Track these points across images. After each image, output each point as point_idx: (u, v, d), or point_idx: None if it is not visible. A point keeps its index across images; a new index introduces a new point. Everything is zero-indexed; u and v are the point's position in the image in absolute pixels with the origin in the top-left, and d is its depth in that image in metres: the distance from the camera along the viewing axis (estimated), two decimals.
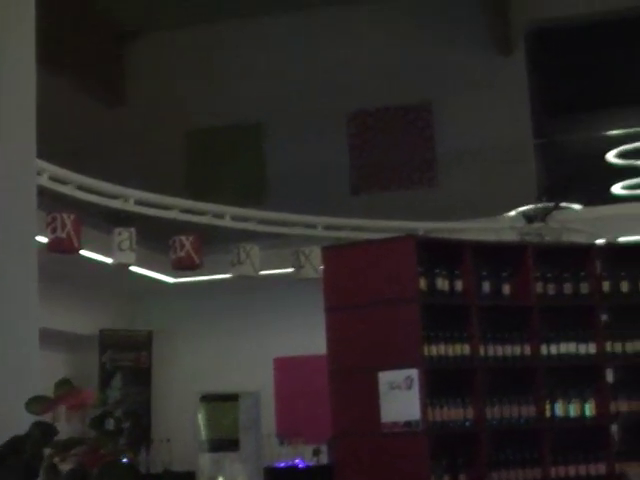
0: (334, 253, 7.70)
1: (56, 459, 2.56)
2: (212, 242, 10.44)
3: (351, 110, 14.80)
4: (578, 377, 7.75)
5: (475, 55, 14.35)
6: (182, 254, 9.97)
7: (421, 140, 14.51)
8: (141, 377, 13.31)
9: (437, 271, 7.27)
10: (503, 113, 14.04)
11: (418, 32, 14.64)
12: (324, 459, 10.37)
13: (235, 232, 10.44)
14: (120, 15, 14.92)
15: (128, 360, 13.18)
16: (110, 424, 2.62)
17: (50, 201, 8.87)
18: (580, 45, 14.74)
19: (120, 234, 9.61)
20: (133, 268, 10.49)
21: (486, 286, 7.54)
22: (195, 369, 12.82)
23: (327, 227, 10.82)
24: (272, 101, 14.81)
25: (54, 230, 8.87)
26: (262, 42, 15.14)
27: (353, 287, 7.28)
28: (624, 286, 8.04)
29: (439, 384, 7.07)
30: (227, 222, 10.34)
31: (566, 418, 7.60)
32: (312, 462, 10.54)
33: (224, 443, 10.01)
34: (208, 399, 10.21)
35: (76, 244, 9.02)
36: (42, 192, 7.08)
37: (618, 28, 14.49)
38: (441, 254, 7.41)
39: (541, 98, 14.51)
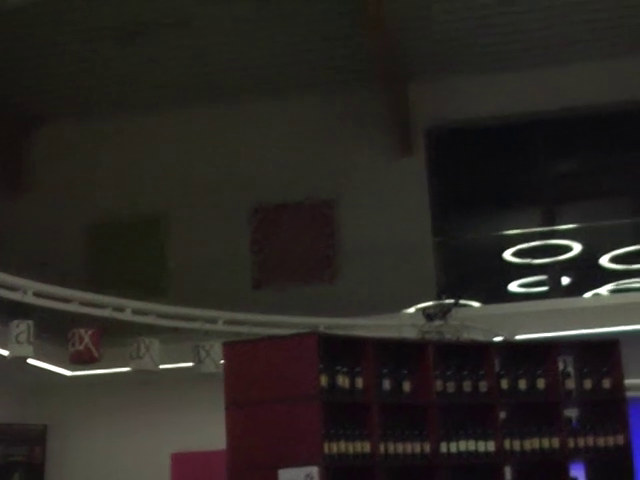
0: (235, 348, 7.66)
1: None
2: (112, 335, 10.30)
3: (253, 204, 14.89)
4: (477, 475, 7.78)
5: (377, 154, 14.62)
6: (81, 348, 9.80)
7: (323, 236, 14.65)
8: (34, 473, 12.99)
9: (338, 368, 7.27)
10: (403, 211, 14.28)
11: (322, 130, 14.88)
12: None
13: (135, 325, 10.33)
14: (23, 103, 14.87)
15: (21, 455, 12.85)
16: None
17: None
18: (478, 146, 15.14)
19: (18, 326, 9.42)
20: (30, 360, 10.28)
21: (386, 383, 7.57)
22: (90, 465, 12.56)
23: (228, 322, 10.76)
24: (175, 193, 14.85)
25: None
26: (166, 134, 15.22)
27: (254, 383, 7.24)
28: (522, 384, 8.15)
29: None
30: (127, 315, 10.22)
31: None
32: None
33: None
34: None
35: None
36: None
37: (515, 131, 14.93)
38: (342, 351, 7.43)
39: (440, 197, 14.80)
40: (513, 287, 14.47)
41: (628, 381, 8.58)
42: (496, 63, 14.32)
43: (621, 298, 13.37)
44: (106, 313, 9.95)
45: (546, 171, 14.93)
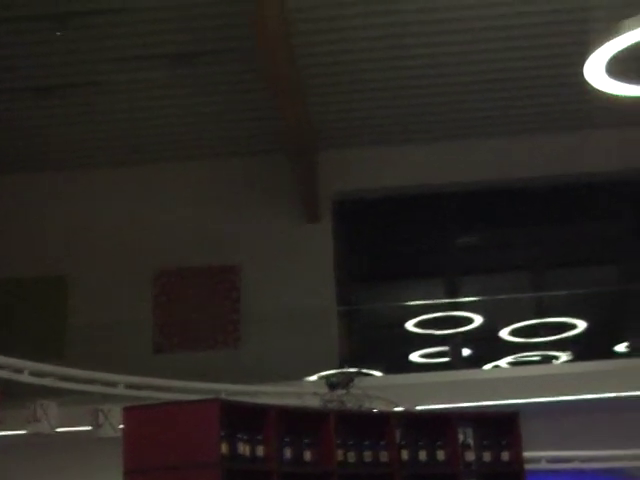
0: (135, 413, 7.54)
1: None
2: (8, 397, 10.08)
3: (157, 268, 14.80)
4: None
5: (284, 221, 14.69)
6: None
7: (228, 301, 14.59)
8: None
9: (239, 435, 7.21)
10: (309, 279, 14.33)
11: (230, 195, 14.90)
12: None
13: (34, 387, 10.13)
14: None
15: None
16: None
17: None
18: (384, 217, 15.31)
19: None
20: None
21: (288, 452, 7.52)
22: None
23: (128, 386, 10.63)
24: (79, 254, 14.69)
25: None
26: (73, 193, 15.09)
27: (154, 449, 7.13)
28: (422, 455, 8.18)
29: None
30: (25, 377, 10.02)
31: None
32: None
33: None
34: None
35: None
36: None
37: (421, 203, 15.15)
38: (244, 418, 7.38)
39: (345, 266, 14.90)
40: (415, 357, 14.57)
41: (527, 454, 8.67)
42: (404, 135, 14.57)
43: (520, 371, 13.56)
44: (4, 374, 9.75)
45: (450, 243, 15.17)
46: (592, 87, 9.01)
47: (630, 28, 7.75)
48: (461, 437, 8.38)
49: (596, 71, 8.46)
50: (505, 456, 8.45)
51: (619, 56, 8.39)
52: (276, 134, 13.34)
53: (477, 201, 15.13)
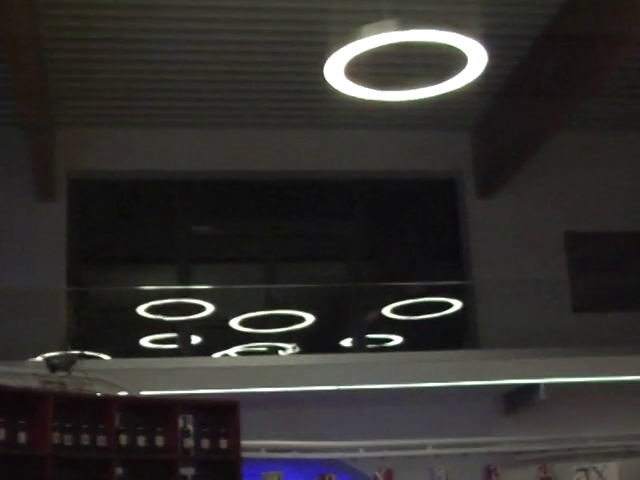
0: None
1: None
2: None
3: None
4: None
5: (17, 197, 14.23)
6: None
7: None
8: None
9: None
10: (40, 257, 13.96)
11: None
12: None
13: None
14: None
15: None
16: None
17: None
18: (120, 200, 15.15)
19: None
20: None
21: (2, 433, 7.35)
22: None
23: None
24: None
25: None
26: None
27: None
28: (141, 440, 8.17)
29: None
30: None
31: None
32: None
33: None
34: None
35: None
36: None
37: (157, 189, 15.08)
38: None
39: (78, 247, 14.62)
40: (145, 343, 14.50)
41: (246, 442, 8.81)
42: (150, 119, 14.43)
43: (247, 360, 13.75)
44: None
45: (184, 231, 15.16)
46: (332, 88, 9.25)
47: (369, 34, 7.99)
48: (181, 424, 8.44)
49: (336, 73, 8.68)
50: (223, 444, 8.58)
51: (358, 60, 8.64)
52: (15, 105, 12.90)
53: (216, 191, 15.21)
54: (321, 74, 8.77)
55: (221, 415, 8.70)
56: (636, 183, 15.33)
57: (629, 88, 13.89)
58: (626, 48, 10.72)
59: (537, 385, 12.83)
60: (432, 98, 9.51)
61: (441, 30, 8.11)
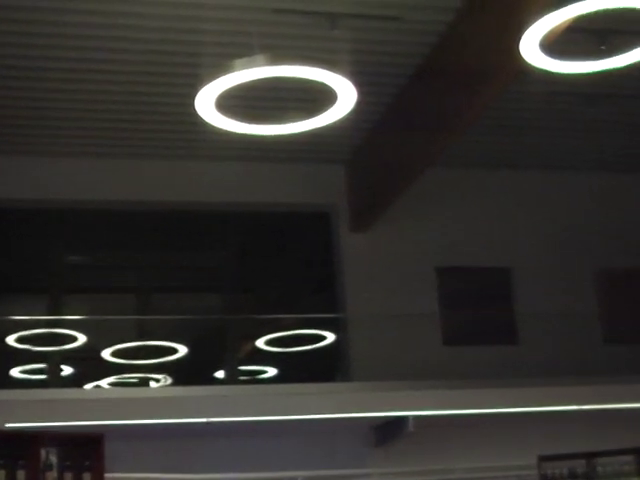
0: None
1: None
2: None
3: None
4: None
5: None
6: None
7: None
8: None
9: None
10: None
11: None
12: None
13: None
14: None
15: None
16: None
17: None
18: None
19: None
20: None
21: None
22: None
23: None
24: None
25: None
26: None
27: None
28: (1, 475, 8.03)
29: None
30: None
31: None
32: None
33: None
34: None
35: None
36: None
37: (32, 218, 14.84)
38: None
39: None
40: (15, 373, 14.26)
41: (109, 475, 8.72)
42: (24, 147, 14.19)
43: (118, 392, 13.62)
44: None
45: (57, 260, 14.96)
46: (204, 120, 9.31)
47: (240, 68, 8.09)
48: (44, 457, 8.31)
49: (207, 106, 8.75)
50: (87, 477, 8.47)
51: (231, 93, 8.73)
52: None
53: (90, 220, 15.03)
54: (194, 106, 8.84)
55: (86, 448, 8.60)
56: (503, 220, 15.72)
57: (496, 127, 14.26)
58: (494, 87, 11.00)
59: (406, 417, 12.99)
60: (306, 132, 9.65)
61: (311, 67, 8.26)
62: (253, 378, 14.95)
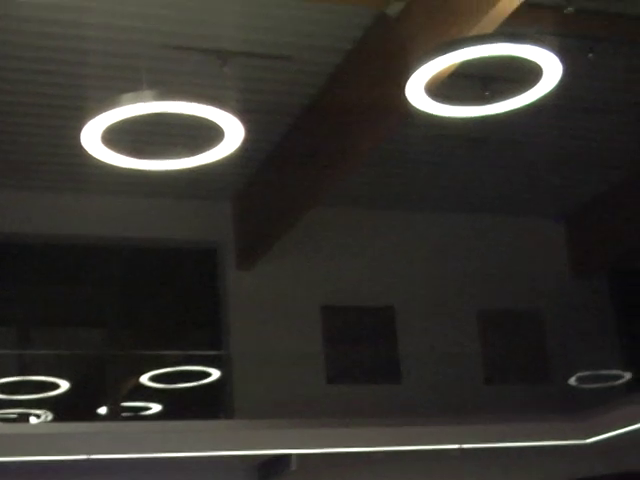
0: None
1: None
2: None
3: None
4: None
5: None
6: None
7: None
8: None
9: None
10: None
11: None
12: None
13: None
14: None
15: None
16: None
17: None
18: None
19: None
20: None
21: None
22: None
23: None
24: None
25: None
26: None
27: None
28: None
29: None
30: None
31: None
32: None
33: None
34: None
35: None
36: None
37: None
38: None
39: None
40: None
41: None
42: None
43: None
44: None
45: None
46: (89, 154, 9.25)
47: (127, 102, 8.08)
48: None
49: (93, 139, 8.71)
50: None
51: (117, 127, 8.70)
52: None
53: None
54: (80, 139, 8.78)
55: None
56: (388, 259, 15.91)
57: (382, 167, 14.48)
58: (380, 129, 11.18)
59: (289, 455, 13.00)
60: (194, 168, 9.66)
61: (199, 103, 8.30)
62: (136, 414, 14.78)
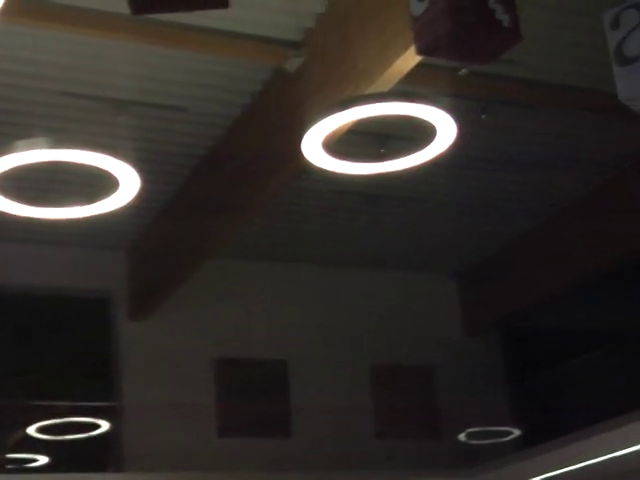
0: None
1: None
2: None
3: None
4: None
5: None
6: None
7: None
8: None
9: None
10: None
11: None
12: None
13: None
14: None
15: None
16: None
17: None
18: None
19: None
20: None
21: None
22: None
23: None
24: None
25: None
26: None
27: None
28: None
29: None
30: None
31: None
32: None
33: None
34: None
35: None
36: None
37: None
38: None
39: None
40: None
41: None
42: None
43: None
44: None
45: None
46: None
47: (20, 149, 7.99)
48: None
49: None
50: None
51: (10, 174, 8.57)
52: None
53: None
54: None
55: None
56: (281, 312, 15.93)
57: (278, 221, 14.55)
58: (275, 183, 11.23)
59: None
60: (87, 217, 9.55)
61: (94, 152, 8.23)
62: (22, 467, 14.45)
